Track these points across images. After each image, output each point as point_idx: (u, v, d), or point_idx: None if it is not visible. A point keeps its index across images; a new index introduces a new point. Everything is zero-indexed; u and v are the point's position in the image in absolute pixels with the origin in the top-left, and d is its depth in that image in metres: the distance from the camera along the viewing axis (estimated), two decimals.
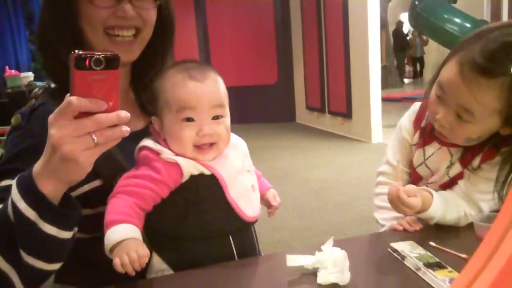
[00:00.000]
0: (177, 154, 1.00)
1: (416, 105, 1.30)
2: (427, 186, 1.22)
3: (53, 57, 1.07)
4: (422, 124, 1.25)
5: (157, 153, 0.99)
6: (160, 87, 1.03)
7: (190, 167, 0.99)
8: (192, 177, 0.99)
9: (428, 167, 1.24)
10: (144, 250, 0.88)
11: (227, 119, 1.04)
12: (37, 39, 1.10)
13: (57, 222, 0.81)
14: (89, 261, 1.03)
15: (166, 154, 0.99)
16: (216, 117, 1.02)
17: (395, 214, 1.21)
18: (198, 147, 1.00)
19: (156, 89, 1.04)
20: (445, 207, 1.13)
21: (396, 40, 14.24)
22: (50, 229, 0.81)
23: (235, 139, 1.12)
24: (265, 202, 1.20)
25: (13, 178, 0.91)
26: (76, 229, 0.87)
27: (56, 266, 0.87)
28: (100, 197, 0.98)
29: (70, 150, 0.74)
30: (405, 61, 14.72)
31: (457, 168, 1.19)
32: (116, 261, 0.86)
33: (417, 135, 1.26)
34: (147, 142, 1.02)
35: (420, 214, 1.12)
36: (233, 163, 1.05)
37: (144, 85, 1.14)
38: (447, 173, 1.20)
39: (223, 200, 1.00)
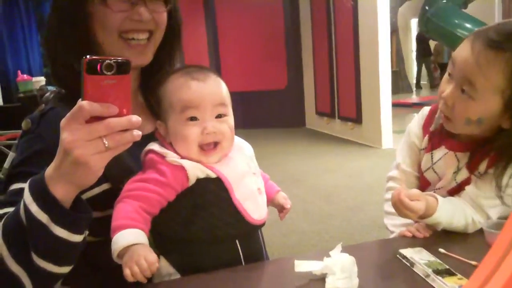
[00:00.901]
0: (182, 157, 1.00)
1: (425, 110, 1.31)
2: (435, 192, 1.21)
3: (62, 63, 1.08)
4: (431, 129, 1.25)
5: (163, 156, 1.00)
6: (163, 91, 1.05)
7: (195, 170, 0.99)
8: (199, 180, 1.00)
9: (435, 172, 1.23)
10: (153, 257, 0.88)
11: (230, 118, 1.06)
12: (46, 44, 1.11)
13: (69, 225, 0.82)
14: (97, 265, 1.04)
15: (171, 157, 1.00)
16: (219, 116, 1.03)
17: (405, 220, 1.20)
18: (202, 148, 1.01)
19: (160, 94, 1.06)
20: (452, 213, 1.12)
21: (420, 45, 13.90)
22: (61, 232, 0.81)
23: (240, 142, 1.13)
24: (276, 205, 1.20)
25: (23, 182, 0.92)
26: (87, 232, 0.87)
27: (66, 269, 0.88)
28: (109, 200, 0.98)
29: (81, 154, 0.75)
30: (432, 67, 14.29)
31: (464, 174, 1.18)
32: (127, 272, 0.87)
33: (426, 139, 1.26)
34: (153, 145, 1.03)
35: (426, 219, 1.11)
36: (238, 165, 1.06)
37: (152, 88, 1.15)
38: (454, 178, 1.20)
39: (229, 203, 1.00)
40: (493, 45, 1.02)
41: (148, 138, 1.07)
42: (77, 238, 0.84)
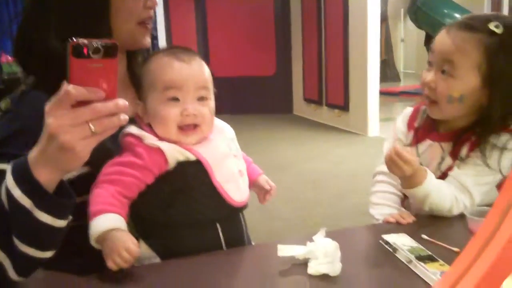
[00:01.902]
0: (161, 138, 1.00)
1: (408, 109, 1.38)
2: None
3: (38, 52, 1.04)
4: (416, 124, 1.32)
5: (140, 139, 0.99)
6: (146, 70, 1.05)
7: (174, 152, 0.98)
8: (178, 163, 0.99)
9: (421, 164, 1.24)
10: (133, 246, 0.88)
11: (211, 102, 1.05)
12: (20, 31, 1.07)
13: (53, 210, 0.81)
14: (76, 249, 1.02)
15: (149, 139, 0.99)
16: (201, 98, 1.03)
17: (391, 210, 1.24)
18: (181, 128, 1.00)
19: (142, 73, 1.05)
20: (439, 186, 1.16)
21: (428, 35, 13.58)
22: (45, 218, 0.80)
23: (221, 124, 1.13)
24: (257, 188, 1.20)
25: (3, 163, 0.91)
26: (70, 217, 0.86)
27: (49, 254, 0.87)
28: (88, 184, 0.97)
29: (67, 139, 0.73)
30: None
31: (448, 162, 1.22)
32: (111, 265, 0.87)
33: (410, 134, 1.31)
34: (131, 128, 1.02)
35: (415, 188, 1.14)
36: (219, 147, 1.05)
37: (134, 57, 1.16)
38: (439, 168, 1.23)
39: (210, 186, 1.00)
40: (467, 27, 1.15)
41: (135, 121, 1.06)
42: (61, 223, 0.83)
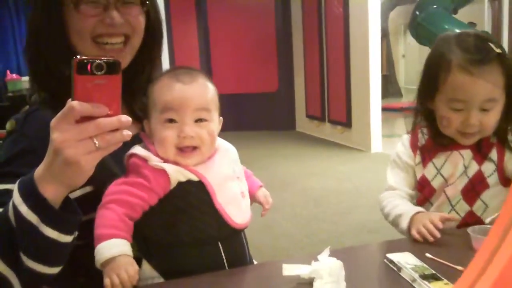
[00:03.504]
0: (163, 159, 1.00)
1: (405, 136, 1.41)
2: (446, 194, 1.29)
3: (44, 68, 1.07)
4: (419, 144, 1.35)
5: (145, 160, 1.00)
6: (150, 90, 1.06)
7: (177, 174, 0.99)
8: (180, 184, 1.00)
9: (442, 176, 1.30)
10: (133, 269, 0.89)
11: (211, 124, 1.05)
12: (27, 50, 1.10)
13: (59, 226, 0.82)
14: (80, 268, 1.03)
15: (154, 161, 1.00)
16: (199, 120, 1.03)
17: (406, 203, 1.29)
18: (180, 149, 1.01)
19: (147, 93, 1.07)
20: None
21: None
22: (51, 233, 0.81)
23: (226, 145, 1.13)
24: (257, 202, 1.20)
25: (8, 183, 0.92)
26: (76, 233, 0.87)
27: (56, 270, 0.87)
28: (92, 203, 0.98)
29: (72, 154, 0.74)
30: None
31: (474, 168, 1.27)
32: (107, 282, 0.88)
33: (417, 155, 1.34)
34: (136, 149, 1.03)
35: None
36: (222, 169, 1.06)
37: (132, 91, 1.15)
38: (465, 174, 1.27)
39: (211, 207, 1.00)
40: (483, 61, 1.19)
41: (131, 141, 1.07)
42: (67, 238, 0.84)
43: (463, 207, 1.29)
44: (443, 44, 1.27)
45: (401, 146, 1.39)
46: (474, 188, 1.27)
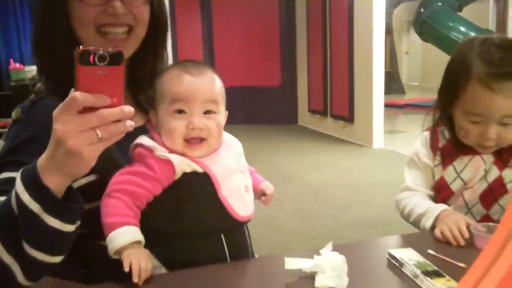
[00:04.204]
0: (169, 150, 1.01)
1: (425, 133, 1.37)
2: (463, 198, 1.27)
3: (49, 58, 1.08)
4: (440, 145, 1.32)
5: (151, 150, 1.00)
6: (158, 81, 1.06)
7: (182, 165, 0.99)
8: (185, 174, 1.00)
9: (462, 179, 1.27)
10: (149, 265, 0.91)
11: (219, 116, 1.05)
12: (32, 39, 1.11)
13: (61, 215, 0.82)
14: (82, 258, 1.03)
15: (159, 151, 1.00)
16: (208, 112, 1.03)
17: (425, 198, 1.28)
18: (187, 141, 1.01)
19: (155, 85, 1.07)
20: None
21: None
22: (54, 222, 0.81)
23: (230, 139, 1.13)
24: (258, 194, 1.20)
25: (12, 170, 0.92)
26: (78, 222, 0.87)
27: (58, 259, 0.87)
28: (96, 191, 0.98)
29: (74, 145, 0.74)
30: None
31: (494, 173, 1.25)
32: (127, 261, 0.89)
33: (438, 156, 1.32)
34: (142, 139, 1.03)
35: None
36: (227, 162, 1.06)
37: (137, 82, 1.15)
38: (485, 179, 1.25)
39: (215, 199, 1.01)
40: (504, 78, 1.14)
41: (136, 132, 1.07)
42: (70, 228, 0.84)
43: (479, 211, 1.27)
44: (466, 50, 1.21)
45: (420, 145, 1.36)
46: (493, 192, 1.25)
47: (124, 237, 0.92)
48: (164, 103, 1.03)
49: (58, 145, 0.76)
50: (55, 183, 0.80)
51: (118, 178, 0.99)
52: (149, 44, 1.15)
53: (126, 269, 0.88)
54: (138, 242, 0.93)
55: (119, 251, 0.91)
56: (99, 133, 0.75)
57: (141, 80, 1.17)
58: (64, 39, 1.05)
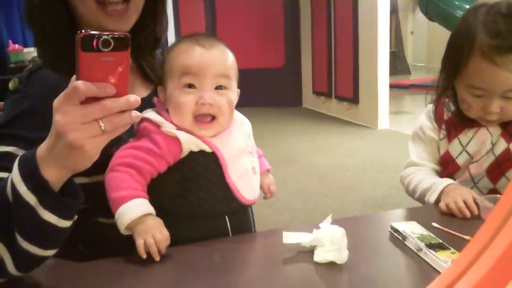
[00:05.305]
0: (178, 127, 0.97)
1: (429, 106, 1.34)
2: (469, 172, 1.24)
3: (41, 29, 1.03)
4: (445, 117, 1.29)
5: (158, 126, 0.96)
6: (167, 56, 1.02)
7: (190, 143, 0.95)
8: (192, 153, 0.96)
9: (468, 153, 1.24)
10: (166, 232, 0.89)
11: (231, 93, 1.01)
12: (27, 20, 1.06)
13: (58, 210, 0.77)
14: (79, 235, 1.00)
15: (166, 127, 0.96)
16: (219, 87, 0.99)
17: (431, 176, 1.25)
18: (197, 120, 0.97)
19: (164, 59, 1.02)
20: None
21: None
22: (49, 217, 0.77)
23: (240, 117, 1.09)
24: (263, 187, 1.16)
25: (9, 145, 0.88)
26: (76, 217, 0.83)
27: (51, 253, 0.83)
28: (95, 165, 0.95)
29: (75, 138, 0.69)
30: None
31: (502, 145, 1.21)
32: (140, 243, 0.86)
33: (443, 129, 1.29)
34: (148, 113, 0.99)
35: None
36: (236, 142, 1.02)
37: (139, 47, 1.11)
38: (492, 152, 1.21)
39: (222, 181, 0.97)
40: (509, 51, 1.08)
41: (142, 103, 1.03)
42: (66, 223, 0.79)
43: (486, 185, 1.24)
44: (470, 18, 1.15)
45: (425, 119, 1.33)
46: (500, 166, 1.21)
47: (134, 211, 0.89)
48: (173, 77, 0.98)
49: (58, 138, 0.71)
50: (54, 176, 0.75)
51: (122, 152, 0.95)
52: (148, 8, 1.10)
53: (143, 256, 0.86)
54: (149, 214, 0.90)
55: (129, 226, 0.88)
56: (103, 125, 0.70)
57: (142, 46, 1.12)
58: (61, 17, 1.01)
